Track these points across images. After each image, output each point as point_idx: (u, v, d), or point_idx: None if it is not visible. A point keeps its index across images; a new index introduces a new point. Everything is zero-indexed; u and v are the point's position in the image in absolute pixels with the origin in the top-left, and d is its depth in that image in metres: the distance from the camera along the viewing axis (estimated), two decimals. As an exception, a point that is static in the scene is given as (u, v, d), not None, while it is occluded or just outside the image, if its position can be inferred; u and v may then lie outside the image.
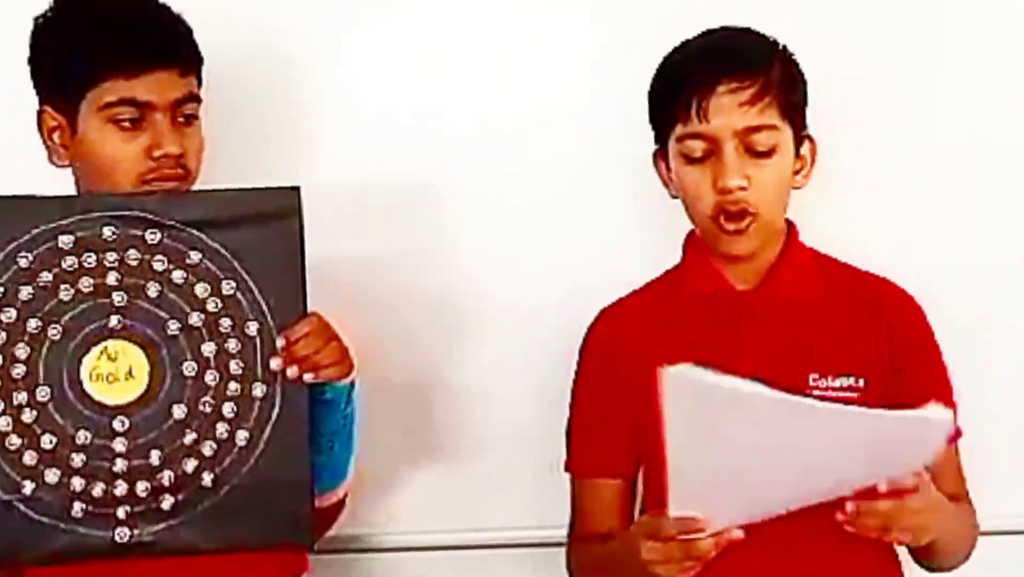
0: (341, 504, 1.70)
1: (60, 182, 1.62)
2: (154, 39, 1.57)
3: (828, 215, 1.78)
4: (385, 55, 1.96)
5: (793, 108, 1.64)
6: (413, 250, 1.94)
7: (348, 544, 1.90)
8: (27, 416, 1.50)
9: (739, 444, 1.39)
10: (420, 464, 1.98)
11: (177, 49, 1.59)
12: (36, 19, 1.62)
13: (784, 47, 1.67)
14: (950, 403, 1.66)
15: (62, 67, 1.59)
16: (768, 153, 1.61)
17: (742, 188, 1.60)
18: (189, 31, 1.63)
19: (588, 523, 1.72)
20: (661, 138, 1.68)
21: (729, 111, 1.59)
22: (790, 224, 1.71)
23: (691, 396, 1.39)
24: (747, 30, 1.67)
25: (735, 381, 1.37)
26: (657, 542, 1.44)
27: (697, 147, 1.61)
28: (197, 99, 1.62)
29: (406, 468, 1.98)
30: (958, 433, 1.67)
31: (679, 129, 1.62)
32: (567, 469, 1.74)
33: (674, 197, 1.69)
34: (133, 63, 1.55)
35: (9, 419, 1.50)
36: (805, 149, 1.67)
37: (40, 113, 1.62)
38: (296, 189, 1.53)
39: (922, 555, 1.65)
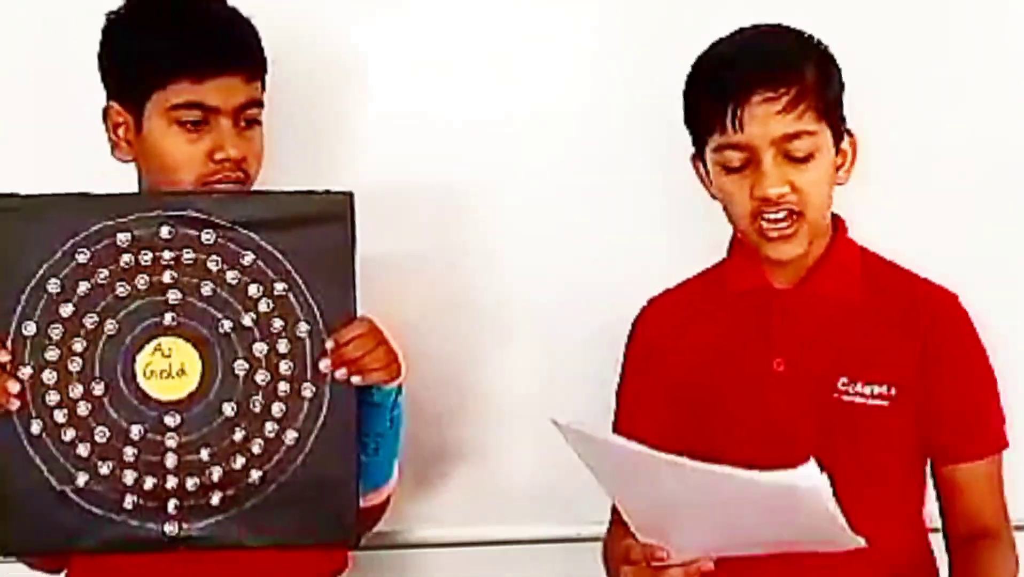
0: (384, 505, 1.71)
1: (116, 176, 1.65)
2: (223, 44, 1.59)
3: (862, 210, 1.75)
4: (409, 57, 1.98)
5: (830, 107, 1.61)
6: (440, 251, 1.97)
7: (382, 540, 1.92)
8: (82, 409, 1.53)
9: (652, 488, 1.40)
10: (451, 462, 2.01)
11: (245, 55, 1.62)
12: (108, 15, 1.64)
13: (817, 41, 1.64)
14: (993, 415, 1.65)
15: (131, 67, 1.61)
16: (807, 158, 1.59)
17: (782, 195, 1.58)
18: (257, 36, 1.64)
19: None
20: (697, 143, 1.67)
21: (765, 120, 1.57)
22: (837, 220, 1.68)
23: (584, 447, 1.41)
24: (779, 28, 1.65)
25: (611, 437, 1.40)
26: (630, 567, 1.46)
27: (735, 157, 1.60)
28: (260, 104, 1.64)
29: (438, 466, 2.00)
30: (1003, 446, 1.65)
31: (716, 139, 1.61)
32: None
33: (715, 199, 1.68)
34: (202, 68, 1.57)
35: (65, 411, 1.53)
36: (845, 144, 1.64)
37: (106, 108, 1.65)
38: (349, 194, 1.55)
39: None
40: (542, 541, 1.98)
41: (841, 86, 1.65)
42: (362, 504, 1.62)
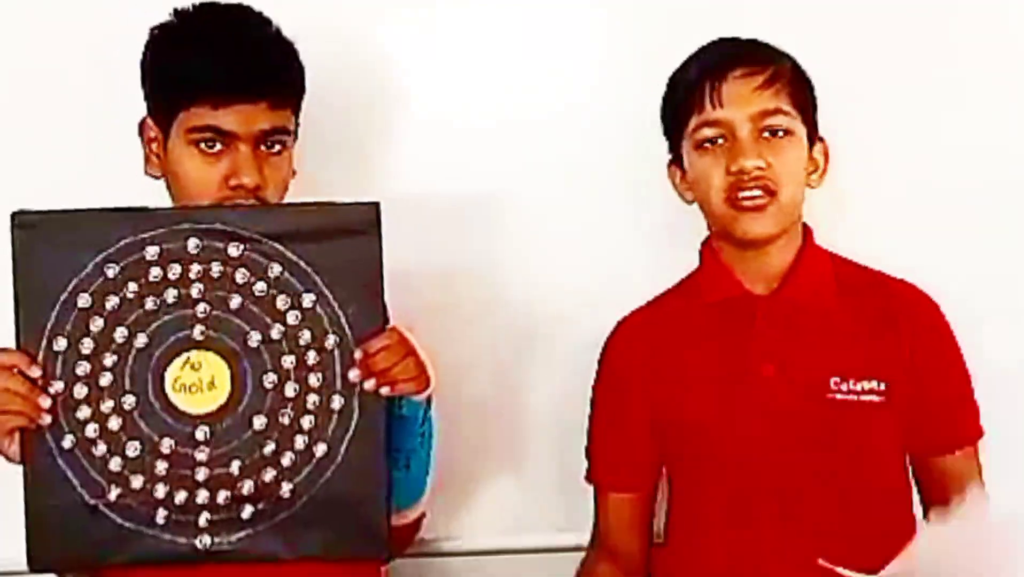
0: (418, 522, 1.70)
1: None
2: (247, 71, 1.58)
3: (836, 217, 1.79)
4: (446, 67, 1.99)
5: (804, 105, 1.66)
6: (468, 259, 1.97)
7: (417, 549, 1.90)
8: (113, 423, 1.54)
9: None
10: (485, 471, 2.01)
11: (271, 82, 1.59)
12: (152, 30, 1.65)
13: (793, 58, 1.69)
14: (972, 404, 1.70)
15: (161, 85, 1.62)
16: (782, 137, 1.63)
17: (759, 168, 1.61)
18: (293, 62, 1.63)
19: (605, 533, 1.77)
20: (675, 145, 1.70)
21: (742, 96, 1.63)
22: (805, 228, 1.71)
23: None
24: (756, 40, 1.70)
25: None
26: None
27: (712, 133, 1.63)
28: (287, 132, 1.62)
29: (472, 475, 2.00)
30: (979, 434, 1.69)
31: (694, 120, 1.65)
32: (587, 479, 1.78)
33: (690, 203, 1.71)
34: (221, 93, 1.56)
35: (96, 426, 1.54)
36: (818, 152, 1.68)
37: (142, 122, 1.66)
38: (376, 204, 1.54)
39: None
40: (574, 549, 1.94)
41: (815, 100, 1.69)
42: (396, 522, 1.62)
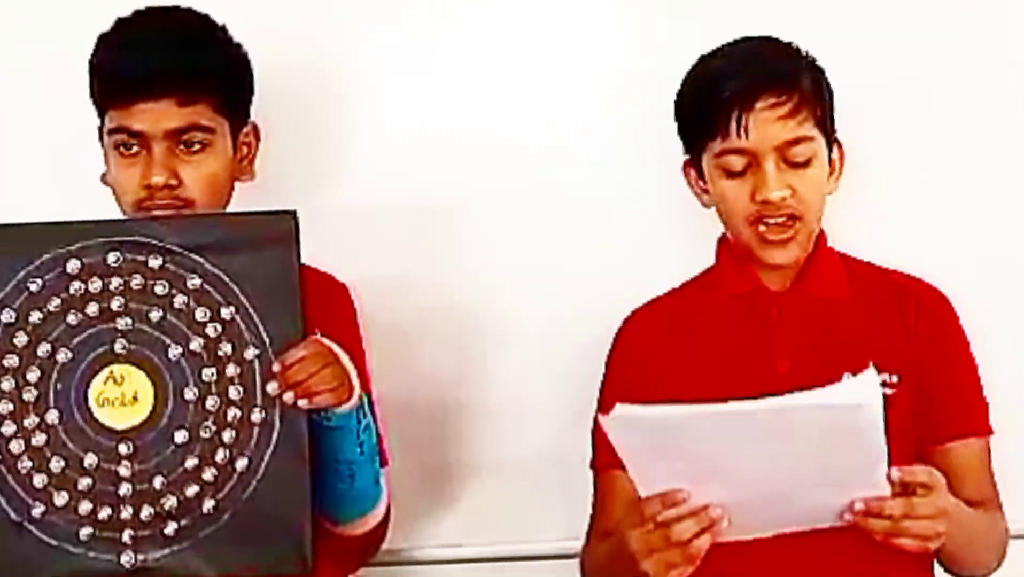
0: (379, 531, 1.67)
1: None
2: (147, 69, 1.57)
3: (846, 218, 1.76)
4: (410, 73, 1.97)
5: (823, 117, 1.64)
6: (437, 267, 1.96)
7: (387, 557, 1.86)
8: (37, 439, 1.53)
9: (699, 466, 1.39)
10: (455, 478, 1.98)
11: (172, 80, 1.58)
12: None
13: (807, 54, 1.67)
14: (980, 398, 1.68)
15: (90, 90, 1.64)
16: (806, 164, 1.61)
17: (783, 199, 1.60)
18: (204, 58, 1.61)
19: (605, 517, 1.71)
20: (693, 150, 1.68)
21: (768, 126, 1.60)
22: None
23: (637, 434, 1.39)
24: (771, 40, 1.68)
25: (668, 409, 1.37)
26: (640, 529, 1.43)
27: (737, 162, 1.62)
28: (204, 128, 1.60)
29: (442, 482, 1.98)
30: (988, 431, 1.68)
31: (717, 145, 1.62)
32: (591, 466, 1.74)
33: (706, 206, 1.69)
34: (125, 93, 1.57)
35: (21, 441, 1.53)
36: (835, 154, 1.66)
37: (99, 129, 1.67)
38: (292, 213, 1.52)
39: (945, 562, 1.64)
40: (545, 557, 1.95)
41: (831, 98, 1.67)
42: (349, 532, 1.61)
